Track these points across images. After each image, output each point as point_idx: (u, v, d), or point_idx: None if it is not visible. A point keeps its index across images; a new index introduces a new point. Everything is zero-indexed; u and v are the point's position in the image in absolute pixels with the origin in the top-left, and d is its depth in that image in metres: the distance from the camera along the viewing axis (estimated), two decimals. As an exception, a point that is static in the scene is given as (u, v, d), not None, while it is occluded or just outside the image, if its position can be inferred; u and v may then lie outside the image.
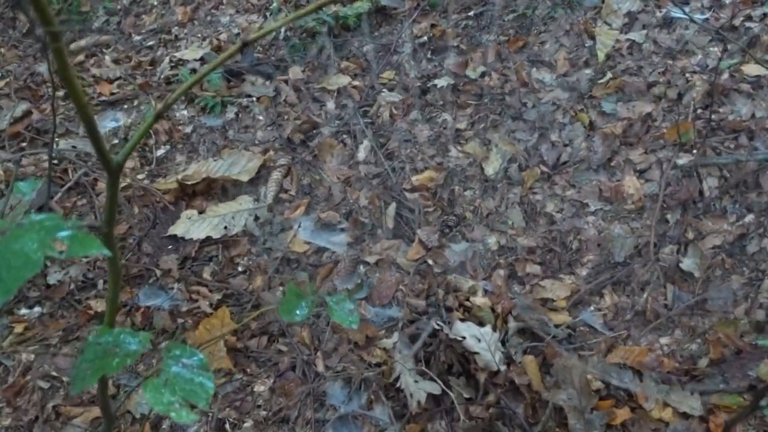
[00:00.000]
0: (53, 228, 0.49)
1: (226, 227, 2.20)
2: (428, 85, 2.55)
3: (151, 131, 2.55)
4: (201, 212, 2.25)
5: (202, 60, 2.80)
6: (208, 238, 2.19)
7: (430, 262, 2.03)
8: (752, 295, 1.82)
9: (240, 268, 2.13)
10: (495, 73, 2.52)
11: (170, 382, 0.58)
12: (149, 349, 0.61)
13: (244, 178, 2.32)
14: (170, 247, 2.19)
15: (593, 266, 1.97)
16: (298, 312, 0.76)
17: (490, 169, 2.24)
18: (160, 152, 2.49)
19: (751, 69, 2.24)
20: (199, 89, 2.64)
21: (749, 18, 2.36)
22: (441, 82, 2.52)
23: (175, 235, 2.20)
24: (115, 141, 2.55)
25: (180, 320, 2.00)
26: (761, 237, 1.90)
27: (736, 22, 2.36)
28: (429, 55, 2.70)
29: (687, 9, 2.43)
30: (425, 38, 2.74)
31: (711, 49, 2.35)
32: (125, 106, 2.69)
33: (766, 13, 2.33)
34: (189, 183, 2.31)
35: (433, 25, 2.77)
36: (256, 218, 2.23)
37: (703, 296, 1.85)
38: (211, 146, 2.49)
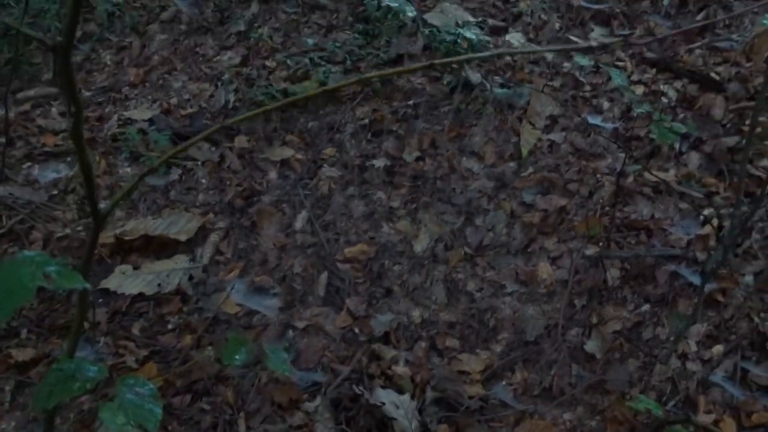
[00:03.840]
0: (43, 263, 0.59)
1: (159, 284, 2.24)
2: (366, 164, 2.73)
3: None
4: (136, 268, 2.29)
5: (151, 121, 2.89)
6: (141, 294, 2.22)
7: (357, 330, 2.14)
8: (646, 377, 2.00)
9: (170, 326, 2.17)
10: (429, 159, 2.72)
11: (124, 406, 0.67)
12: (106, 377, 0.69)
13: (182, 237, 2.38)
14: (101, 300, 2.21)
15: (507, 343, 2.13)
16: (237, 357, 0.85)
17: (419, 246, 2.40)
18: (100, 206, 2.52)
19: (652, 176, 2.52)
20: (146, 149, 2.73)
21: (652, 131, 2.68)
22: (378, 163, 2.70)
23: (107, 289, 2.22)
24: (54, 192, 2.58)
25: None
26: (655, 325, 2.10)
27: (641, 132, 2.67)
28: (369, 137, 2.89)
29: (600, 118, 2.73)
30: (367, 121, 2.93)
31: (620, 154, 2.63)
32: (68, 159, 2.73)
33: (666, 128, 2.65)
34: (126, 238, 2.35)
35: (374, 110, 2.98)
36: (191, 278, 2.29)
37: (603, 377, 2.02)
38: (151, 205, 2.56)
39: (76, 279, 0.60)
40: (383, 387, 1.90)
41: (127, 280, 2.24)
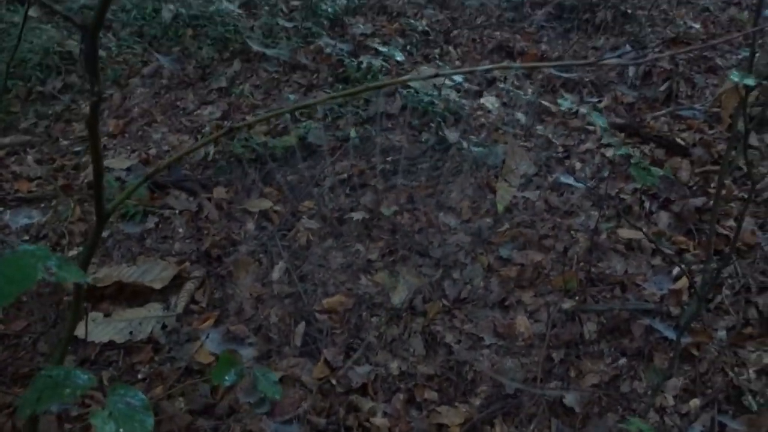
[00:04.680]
0: (44, 256, 0.58)
1: (131, 333, 2.18)
2: (345, 217, 2.74)
3: (65, 231, 2.56)
4: (107, 315, 2.23)
5: (129, 170, 2.88)
6: (111, 342, 2.15)
7: (334, 381, 2.09)
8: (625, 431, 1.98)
9: (140, 375, 2.09)
10: (406, 213, 2.75)
11: (114, 415, 0.64)
12: (94, 387, 0.67)
13: (157, 285, 2.34)
14: (69, 348, 2.13)
15: (486, 396, 2.10)
16: (227, 378, 0.83)
17: (397, 298, 2.39)
18: (72, 253, 2.48)
19: (625, 233, 2.59)
20: (122, 197, 2.70)
21: (623, 191, 2.76)
22: (357, 216, 2.72)
23: (76, 336, 2.15)
24: (26, 237, 2.52)
25: (68, 426, 1.92)
26: (632, 379, 2.10)
27: (612, 192, 2.75)
28: (347, 191, 2.92)
29: (573, 177, 2.81)
30: (345, 175, 2.97)
31: (592, 212, 2.70)
32: (42, 205, 2.69)
33: (636, 188, 2.74)
34: (98, 285, 2.30)
35: (353, 165, 3.03)
36: (164, 326, 2.23)
37: (583, 431, 1.99)
38: (126, 252, 2.51)
39: (77, 272, 0.59)
40: (361, 438, 1.84)
41: (97, 328, 2.17)
